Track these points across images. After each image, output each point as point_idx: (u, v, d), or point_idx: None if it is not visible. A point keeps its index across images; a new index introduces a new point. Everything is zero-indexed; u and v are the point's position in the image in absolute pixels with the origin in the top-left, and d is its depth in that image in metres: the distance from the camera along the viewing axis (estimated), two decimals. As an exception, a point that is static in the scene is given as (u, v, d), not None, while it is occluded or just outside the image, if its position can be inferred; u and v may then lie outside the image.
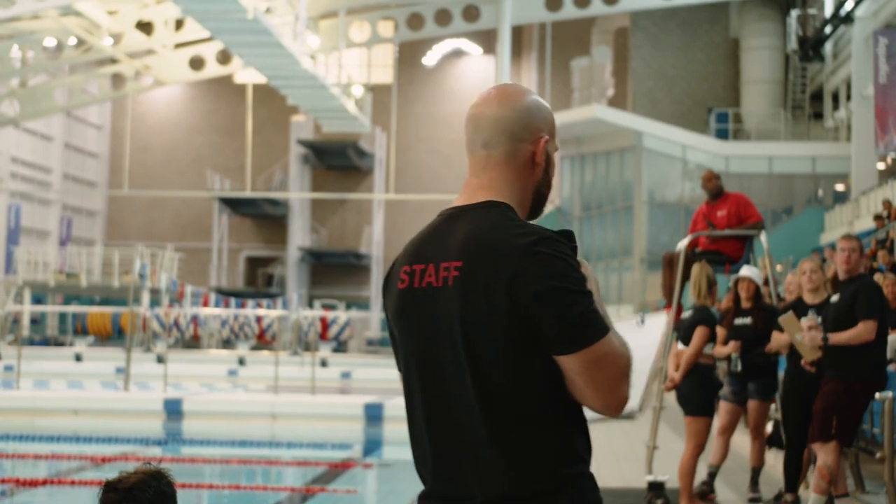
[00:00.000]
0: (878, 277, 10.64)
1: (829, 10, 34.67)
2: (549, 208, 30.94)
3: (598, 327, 2.27)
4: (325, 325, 36.10)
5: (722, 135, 38.72)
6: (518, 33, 45.38)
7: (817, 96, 39.71)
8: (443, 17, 35.08)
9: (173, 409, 16.46)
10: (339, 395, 20.71)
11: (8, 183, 42.20)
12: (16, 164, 43.20)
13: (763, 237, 9.87)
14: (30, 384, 20.78)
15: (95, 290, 41.17)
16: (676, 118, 39.53)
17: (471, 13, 34.76)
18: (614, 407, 2.31)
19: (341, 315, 37.36)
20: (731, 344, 8.84)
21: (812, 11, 37.54)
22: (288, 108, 45.01)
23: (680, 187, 36.08)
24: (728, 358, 8.91)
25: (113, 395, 18.45)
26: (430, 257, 2.39)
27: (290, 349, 32.76)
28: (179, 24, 33.25)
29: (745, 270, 9.08)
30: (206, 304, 35.54)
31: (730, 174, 34.08)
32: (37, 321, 42.38)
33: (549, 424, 2.31)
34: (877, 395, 7.34)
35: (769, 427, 10.26)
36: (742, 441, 11.44)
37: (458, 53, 49.56)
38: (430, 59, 49.49)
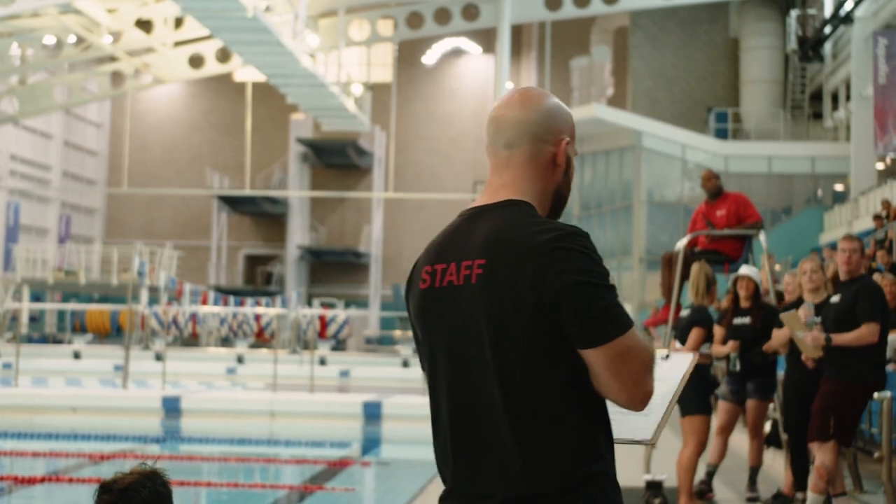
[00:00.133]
0: (876, 277, 10.64)
1: (828, 11, 34.67)
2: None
3: (622, 321, 2.30)
4: (324, 323, 36.08)
5: (721, 134, 38.73)
6: (517, 32, 45.36)
7: (817, 96, 39.73)
8: (442, 15, 35.08)
9: (172, 407, 16.45)
10: (338, 393, 20.70)
11: (7, 180, 42.20)
12: (15, 162, 43.19)
13: (762, 237, 9.88)
14: (28, 382, 20.76)
15: (94, 288, 41.15)
16: (676, 118, 39.54)
17: (470, 12, 34.76)
18: (639, 400, 2.34)
19: (340, 313, 37.35)
20: (730, 343, 8.85)
21: (812, 11, 37.55)
22: (287, 107, 45.00)
23: (679, 187, 36.09)
24: (727, 357, 8.91)
25: (111, 392, 18.45)
26: (451, 257, 2.42)
27: (289, 347, 32.75)
28: (179, 23, 33.24)
29: (744, 270, 9.08)
30: (204, 302, 35.52)
31: (729, 174, 34.09)
32: (35, 319, 42.37)
33: (571, 423, 2.32)
34: (875, 394, 7.34)
35: (767, 426, 10.28)
36: (740, 440, 11.44)
37: (457, 52, 49.55)
38: (430, 57, 49.48)
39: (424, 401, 16.50)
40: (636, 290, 34.94)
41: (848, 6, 32.13)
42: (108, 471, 11.62)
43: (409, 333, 38.74)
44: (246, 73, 42.59)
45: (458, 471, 2.41)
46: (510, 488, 2.32)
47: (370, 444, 15.36)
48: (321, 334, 35.34)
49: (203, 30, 30.94)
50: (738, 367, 8.84)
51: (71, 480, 10.97)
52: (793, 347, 8.21)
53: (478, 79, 49.02)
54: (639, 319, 26.73)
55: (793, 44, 38.62)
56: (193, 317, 35.27)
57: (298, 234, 48.06)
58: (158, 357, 27.91)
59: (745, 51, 40.58)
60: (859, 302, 7.17)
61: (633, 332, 2.31)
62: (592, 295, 2.28)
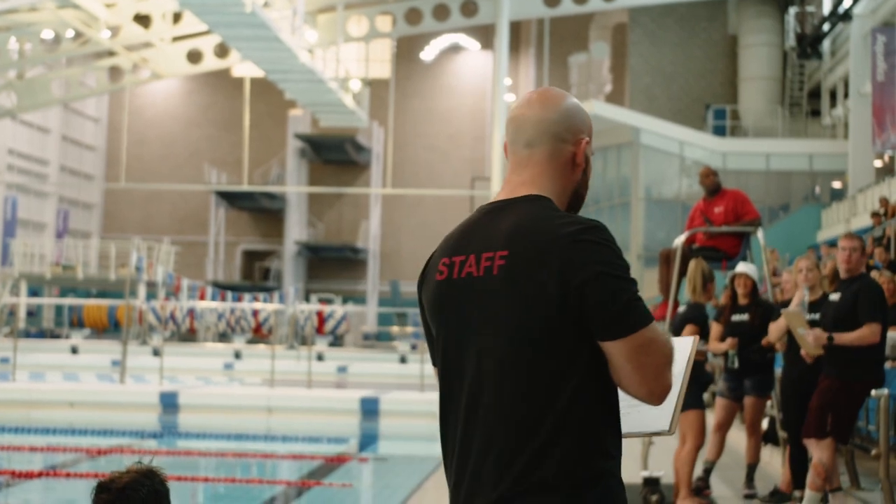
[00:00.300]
0: (874, 274, 10.64)
1: (827, 8, 34.68)
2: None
3: (644, 314, 2.32)
4: (322, 319, 36.08)
5: (719, 131, 38.74)
6: (516, 29, 45.34)
7: (815, 93, 39.74)
8: (441, 11, 35.06)
9: (169, 403, 16.45)
10: (335, 389, 20.70)
11: (4, 175, 42.16)
12: (12, 157, 43.15)
13: (760, 234, 9.88)
14: (26, 376, 20.77)
15: (92, 283, 41.13)
16: (674, 114, 39.54)
17: (469, 8, 34.74)
18: (658, 394, 2.35)
19: (338, 309, 37.34)
20: (729, 340, 8.85)
21: (810, 9, 37.56)
22: (285, 103, 44.94)
23: (677, 184, 36.09)
24: (725, 354, 8.92)
25: (109, 387, 18.45)
26: (470, 249, 2.44)
27: (287, 343, 32.76)
28: (177, 18, 33.21)
29: (742, 267, 9.08)
30: (202, 297, 35.55)
31: (727, 171, 34.10)
32: (33, 313, 42.35)
33: (582, 419, 2.33)
34: (873, 392, 7.34)
35: (765, 423, 10.28)
36: (738, 437, 11.45)
37: (455, 48, 49.51)
38: (428, 54, 49.44)
39: (422, 397, 16.59)
40: (634, 286, 34.87)
41: (846, 3, 32.13)
42: (105, 466, 11.61)
43: (407, 329, 38.77)
44: (244, 68, 42.53)
45: (463, 465, 2.40)
46: (519, 484, 2.32)
47: (367, 439, 15.36)
48: (319, 330, 35.34)
49: (201, 25, 30.91)
50: (736, 364, 8.85)
51: (68, 475, 10.97)
52: (790, 344, 8.21)
53: (476, 75, 49.00)
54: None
55: (791, 41, 38.63)
56: (191, 312, 35.29)
57: (296, 229, 48.06)
58: (156, 352, 27.92)
59: (743, 48, 40.59)
60: (860, 302, 7.17)
61: (655, 325, 2.34)
62: (617, 287, 2.31)
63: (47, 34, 35.01)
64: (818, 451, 7.22)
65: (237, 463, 12.34)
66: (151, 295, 37.97)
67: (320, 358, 28.06)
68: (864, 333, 7.13)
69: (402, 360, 29.12)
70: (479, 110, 48.59)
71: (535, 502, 2.31)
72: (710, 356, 9.42)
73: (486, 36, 46.60)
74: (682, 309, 8.88)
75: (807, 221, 34.01)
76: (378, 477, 12.09)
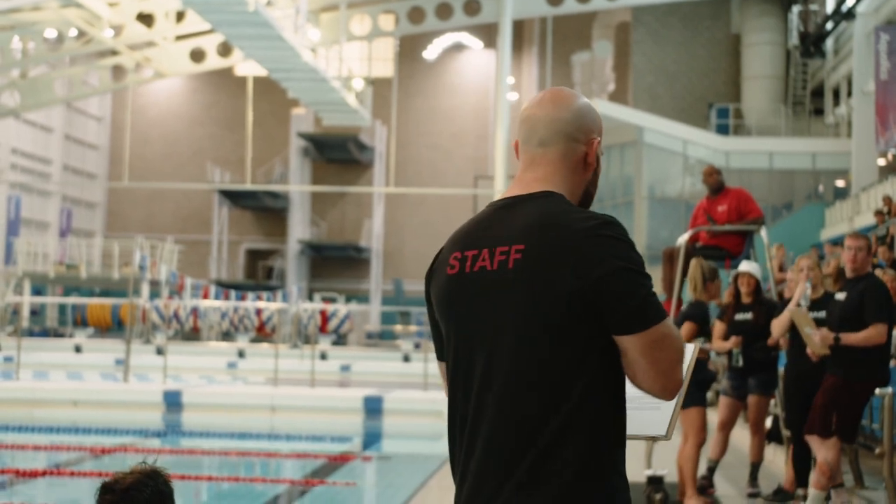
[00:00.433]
0: (877, 273, 10.63)
1: (830, 6, 34.66)
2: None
3: (660, 309, 2.35)
4: (325, 317, 36.09)
5: (722, 130, 38.72)
6: (519, 27, 45.34)
7: (818, 92, 39.70)
8: (444, 10, 35.05)
9: (173, 401, 16.46)
10: (339, 387, 20.71)
11: (8, 174, 42.18)
12: (16, 156, 43.17)
13: (763, 233, 9.87)
14: (29, 375, 20.79)
15: (95, 282, 41.17)
16: (677, 113, 39.51)
17: (472, 7, 34.73)
18: (671, 389, 2.38)
19: (341, 308, 37.35)
20: (733, 339, 8.85)
21: (813, 7, 37.55)
22: (288, 101, 44.94)
23: (680, 182, 36.08)
24: (729, 353, 8.92)
25: (112, 386, 18.46)
26: (484, 243, 2.45)
27: (290, 342, 32.76)
28: (180, 16, 33.21)
29: (745, 266, 9.08)
30: (205, 296, 35.55)
31: (730, 170, 34.07)
32: (36, 312, 42.39)
33: (591, 417, 2.33)
34: (876, 390, 7.34)
35: (769, 422, 10.28)
36: (741, 436, 11.44)
37: (458, 47, 49.50)
38: (431, 52, 49.43)
39: (425, 395, 16.58)
40: (637, 285, 34.86)
41: (850, 2, 32.10)
42: (109, 464, 11.62)
43: (411, 328, 38.74)
44: (247, 67, 42.51)
45: (468, 467, 2.39)
46: (524, 485, 2.32)
47: (371, 438, 15.36)
48: (322, 329, 35.35)
49: (204, 24, 30.90)
50: (740, 363, 8.85)
51: (72, 474, 10.98)
52: (793, 342, 8.21)
53: (479, 74, 48.98)
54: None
55: (794, 39, 38.62)
56: (194, 311, 35.30)
57: (299, 228, 48.07)
58: (159, 351, 27.94)
59: (746, 46, 40.56)
60: (866, 302, 7.16)
61: (669, 320, 2.36)
62: (634, 281, 2.33)
63: (50, 33, 35.02)
64: (823, 450, 7.21)
65: (241, 462, 12.35)
66: (155, 294, 37.98)
67: (324, 357, 28.08)
68: (870, 334, 7.13)
69: (406, 358, 29.13)
70: (482, 109, 48.58)
71: (537, 502, 2.31)
72: (714, 355, 9.42)
73: (488, 35, 46.59)
74: (684, 307, 8.89)
75: (810, 220, 33.99)
76: (381, 476, 12.09)
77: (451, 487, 2.48)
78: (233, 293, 36.31)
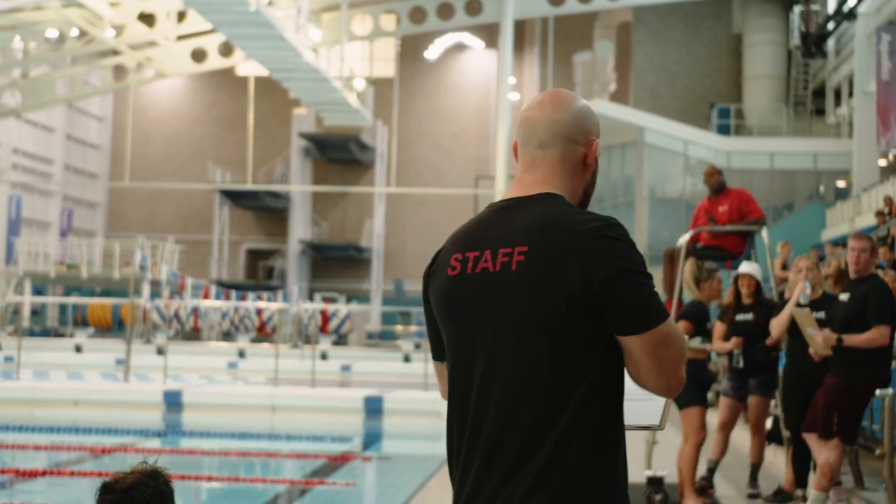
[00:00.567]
0: (878, 273, 10.62)
1: (831, 7, 34.65)
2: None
3: (662, 309, 2.36)
4: (326, 318, 36.08)
5: (724, 130, 38.71)
6: (520, 27, 45.33)
7: (819, 92, 39.70)
8: (445, 10, 35.05)
9: (173, 401, 16.46)
10: (339, 388, 20.71)
11: (9, 174, 42.19)
12: (17, 156, 43.18)
13: (764, 233, 9.87)
14: (30, 375, 20.79)
15: (96, 282, 41.18)
16: (678, 113, 39.51)
17: (473, 7, 34.74)
18: (674, 388, 2.39)
19: (342, 308, 37.34)
20: (734, 340, 8.84)
21: (815, 7, 37.54)
22: (290, 101, 44.97)
23: (681, 183, 36.07)
24: (729, 353, 8.91)
25: (113, 386, 18.45)
26: (485, 244, 2.45)
27: (291, 342, 32.77)
28: (182, 16, 33.22)
29: (745, 267, 9.08)
30: (206, 296, 35.53)
31: (731, 170, 34.07)
32: (37, 312, 42.40)
33: (593, 417, 2.33)
34: (877, 391, 7.34)
35: (769, 423, 10.27)
36: (742, 437, 11.44)
37: (460, 47, 49.50)
38: (432, 52, 49.43)
39: (426, 396, 16.58)
40: (638, 285, 34.84)
41: (851, 2, 32.10)
42: (109, 464, 11.61)
43: (411, 328, 38.75)
44: (248, 67, 42.52)
45: (473, 463, 2.39)
46: (526, 486, 2.31)
47: (371, 438, 15.36)
48: (322, 329, 35.35)
49: (206, 24, 30.91)
50: (741, 364, 8.85)
51: (72, 474, 10.98)
52: (792, 342, 8.20)
53: (480, 74, 48.98)
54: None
55: (796, 40, 38.60)
56: (195, 311, 35.30)
57: (300, 228, 48.08)
58: (160, 351, 27.94)
59: (747, 47, 40.56)
60: (869, 303, 7.16)
61: (671, 319, 2.37)
62: (636, 282, 2.35)
63: (52, 33, 35.04)
64: (825, 451, 7.20)
65: (241, 462, 12.35)
66: (155, 294, 37.99)
67: (324, 357, 28.08)
68: (873, 336, 7.13)
69: (406, 359, 29.13)
70: (484, 109, 48.58)
71: (539, 502, 2.30)
72: (715, 356, 9.41)
73: (490, 35, 46.59)
74: (683, 307, 8.90)
75: (811, 220, 33.98)
76: (382, 476, 12.09)
77: (451, 487, 2.48)
78: (233, 293, 36.30)
